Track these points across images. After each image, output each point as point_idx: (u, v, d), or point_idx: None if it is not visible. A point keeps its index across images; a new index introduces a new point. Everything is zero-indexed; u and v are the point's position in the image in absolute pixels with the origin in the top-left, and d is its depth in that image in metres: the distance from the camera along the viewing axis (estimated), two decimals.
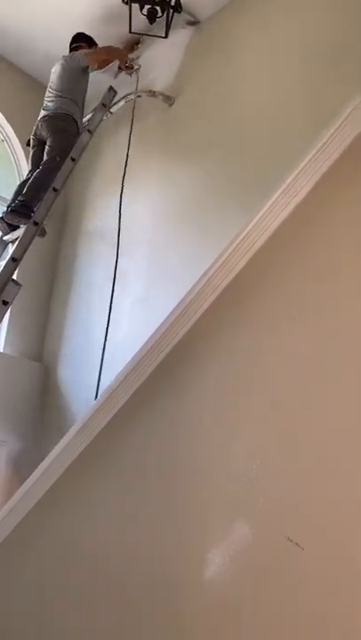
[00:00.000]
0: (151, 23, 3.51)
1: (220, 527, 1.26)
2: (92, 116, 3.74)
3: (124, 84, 4.15)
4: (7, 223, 3.28)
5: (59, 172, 3.37)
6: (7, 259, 3.00)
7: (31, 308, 4.05)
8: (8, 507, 1.84)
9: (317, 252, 1.43)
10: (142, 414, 1.61)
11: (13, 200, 3.34)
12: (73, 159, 3.50)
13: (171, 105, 3.81)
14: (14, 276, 3.02)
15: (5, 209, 3.32)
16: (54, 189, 3.34)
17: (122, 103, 3.91)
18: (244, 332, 1.45)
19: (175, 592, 1.32)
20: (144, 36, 3.85)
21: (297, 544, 1.12)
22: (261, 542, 1.18)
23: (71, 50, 3.79)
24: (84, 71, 3.67)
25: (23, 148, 4.19)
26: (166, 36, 3.65)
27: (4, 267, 2.95)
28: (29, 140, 3.66)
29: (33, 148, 3.60)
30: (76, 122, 3.57)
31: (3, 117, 4.23)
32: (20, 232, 3.21)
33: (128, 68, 4.05)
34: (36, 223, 3.19)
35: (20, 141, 4.24)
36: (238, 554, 1.21)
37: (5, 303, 2.88)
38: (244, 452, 1.29)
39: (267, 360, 1.36)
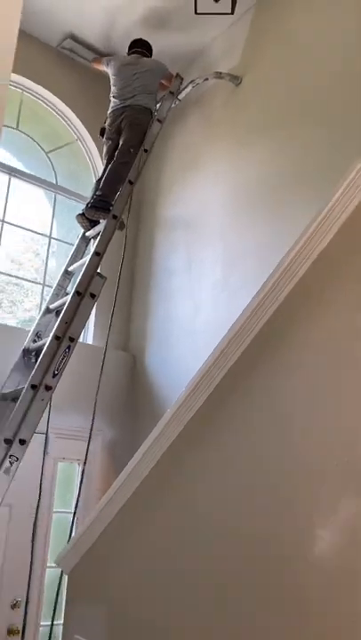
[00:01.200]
0: (216, 1, 3.46)
1: (328, 504, 1.25)
2: (161, 104, 3.77)
3: (189, 69, 4.15)
4: (88, 219, 3.39)
5: (133, 164, 3.45)
6: (91, 253, 3.11)
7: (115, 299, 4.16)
8: (109, 493, 1.92)
9: None
10: (235, 398, 1.62)
11: (92, 196, 3.44)
12: (146, 150, 3.56)
13: (238, 85, 3.76)
14: (99, 270, 3.13)
15: (85, 205, 3.43)
16: (130, 182, 3.41)
17: (189, 89, 3.90)
18: (339, 313, 1.41)
19: (282, 566, 1.33)
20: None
21: None
22: None
23: (134, 51, 3.85)
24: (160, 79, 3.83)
25: (97, 145, 4.28)
26: (232, 12, 3.59)
27: (89, 261, 3.06)
28: (103, 130, 3.73)
29: (108, 139, 3.68)
30: (152, 112, 3.67)
31: (75, 116, 4.35)
32: (100, 227, 3.31)
33: None
34: (115, 217, 3.28)
35: (93, 139, 4.33)
36: (347, 530, 1.20)
37: (93, 296, 2.99)
38: (348, 429, 1.27)
39: None
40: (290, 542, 1.33)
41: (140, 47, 3.87)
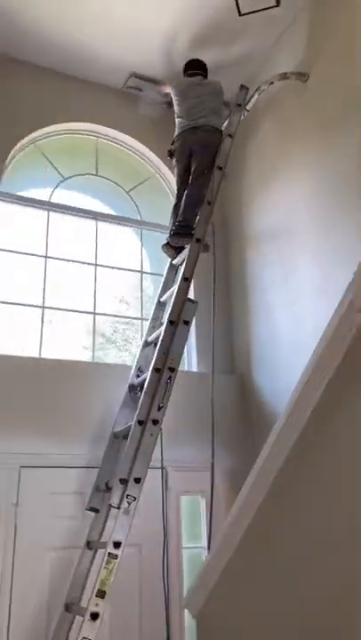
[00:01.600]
0: None
1: None
2: (230, 119, 3.70)
3: (253, 77, 4.06)
4: (173, 247, 3.37)
5: (208, 185, 3.39)
6: (179, 280, 3.06)
7: (214, 323, 4.07)
8: (226, 525, 1.80)
9: None
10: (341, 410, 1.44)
11: (173, 223, 3.42)
12: (220, 167, 3.49)
13: (305, 81, 3.59)
14: (191, 295, 3.08)
15: (168, 234, 3.41)
16: (208, 203, 3.35)
17: (255, 97, 3.80)
18: None
19: None
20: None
21: None
22: None
23: (194, 73, 3.81)
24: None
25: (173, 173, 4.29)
26: (278, 4, 3.43)
27: (178, 288, 3.01)
28: (170, 152, 3.70)
29: (178, 162, 3.63)
30: (221, 132, 3.62)
31: (149, 151, 4.41)
32: (185, 253, 3.26)
33: None
34: (198, 240, 3.22)
35: (171, 170, 4.35)
36: None
37: (187, 323, 2.93)
38: None
39: None
40: None
41: (199, 69, 3.83)
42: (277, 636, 1.56)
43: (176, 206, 3.49)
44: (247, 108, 3.82)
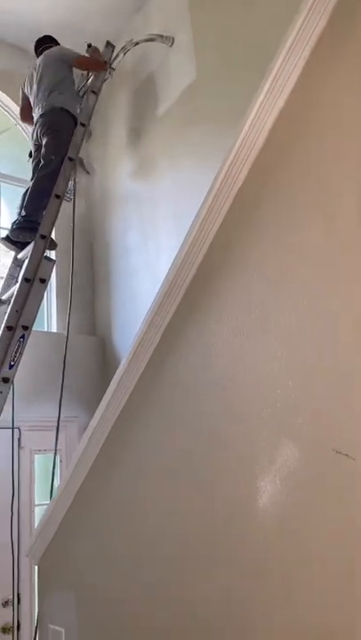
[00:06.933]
0: None
1: (265, 453, 1.19)
2: (95, 76, 3.62)
3: (121, 35, 3.99)
4: (14, 242, 3.10)
5: (58, 173, 3.15)
6: (20, 279, 2.88)
7: (76, 285, 4.05)
8: (66, 475, 1.86)
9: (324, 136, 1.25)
10: (168, 362, 1.55)
11: (19, 213, 3.16)
12: (83, 124, 3.42)
13: (171, 45, 3.61)
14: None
15: (10, 226, 3.15)
16: (57, 196, 3.10)
17: (121, 56, 3.75)
18: (264, 246, 1.33)
19: (228, 526, 1.27)
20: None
21: (347, 455, 1.04)
22: (309, 459, 1.11)
23: (41, 50, 3.62)
24: (70, 65, 3.53)
25: None
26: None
27: (19, 289, 2.83)
28: (30, 153, 3.50)
29: (34, 159, 3.42)
30: (69, 112, 3.36)
31: (10, 100, 4.17)
32: (30, 248, 3.00)
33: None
34: (43, 236, 3.00)
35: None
36: (287, 475, 1.14)
37: (43, 281, 2.90)
38: (276, 371, 1.20)
39: (290, 269, 1.24)
40: (235, 499, 1.26)
41: (46, 42, 3.64)
42: (105, 580, 1.67)
43: (25, 195, 3.21)
44: (112, 66, 3.76)
